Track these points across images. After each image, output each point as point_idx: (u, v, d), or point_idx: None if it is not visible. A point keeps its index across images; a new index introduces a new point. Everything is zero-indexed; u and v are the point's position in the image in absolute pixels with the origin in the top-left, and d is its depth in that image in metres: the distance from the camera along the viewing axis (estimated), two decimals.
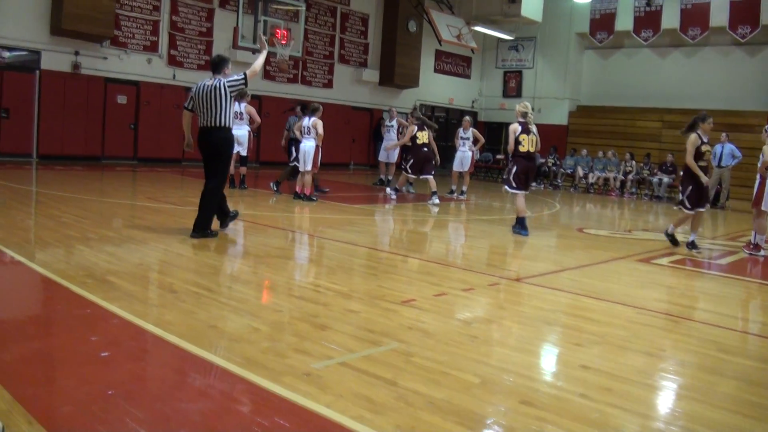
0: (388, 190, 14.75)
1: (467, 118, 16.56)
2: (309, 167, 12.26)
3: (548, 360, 4.40)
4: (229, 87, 7.84)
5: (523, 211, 10.27)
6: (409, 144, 14.46)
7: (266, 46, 8.59)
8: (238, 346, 4.04)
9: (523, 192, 10.29)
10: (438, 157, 14.55)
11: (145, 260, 6.52)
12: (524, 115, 10.06)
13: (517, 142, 9.96)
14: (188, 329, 4.29)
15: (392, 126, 17.56)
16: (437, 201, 13.53)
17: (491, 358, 4.18)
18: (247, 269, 6.62)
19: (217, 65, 8.05)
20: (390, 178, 16.77)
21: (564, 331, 4.94)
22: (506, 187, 10.45)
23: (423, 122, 14.12)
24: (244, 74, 7.94)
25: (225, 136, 7.96)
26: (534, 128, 10.14)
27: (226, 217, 8.42)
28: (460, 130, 15.80)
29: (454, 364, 3.96)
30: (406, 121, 16.31)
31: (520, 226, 10.14)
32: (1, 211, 8.98)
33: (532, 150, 10.06)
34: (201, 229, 7.86)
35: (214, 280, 5.96)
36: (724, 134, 18.64)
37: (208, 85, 7.84)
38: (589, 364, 4.13)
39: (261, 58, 8.27)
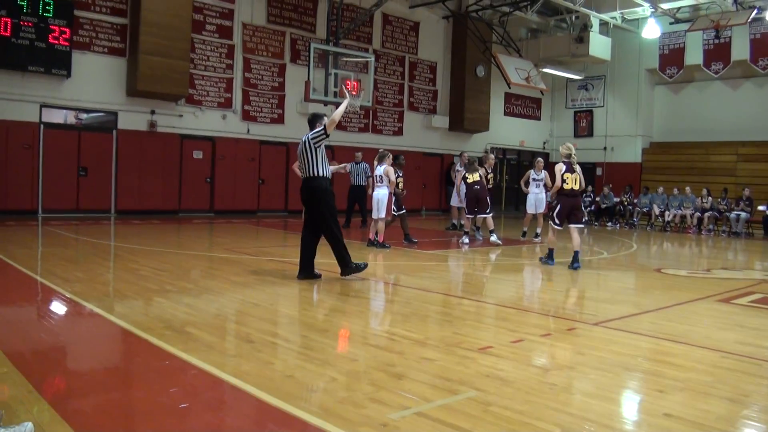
0: (464, 238, 14.20)
1: (539, 159, 16.38)
2: (383, 215, 12.36)
3: (630, 408, 4.25)
4: (312, 140, 8.53)
5: (554, 243, 11.09)
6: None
7: (347, 95, 9.32)
8: (314, 396, 4.05)
9: (560, 228, 10.97)
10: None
11: (222, 311, 6.63)
12: (568, 156, 10.69)
13: (562, 181, 10.56)
14: (265, 379, 4.32)
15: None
16: (495, 239, 13.85)
17: (571, 406, 4.06)
18: (322, 318, 6.65)
19: (311, 122, 8.80)
20: (462, 222, 16.68)
21: (645, 377, 4.77)
22: (551, 223, 10.96)
23: (470, 162, 14.66)
24: (324, 126, 8.55)
25: (318, 185, 8.55)
26: (578, 167, 10.74)
27: (347, 266, 8.72)
28: (532, 171, 15.57)
29: (534, 413, 3.86)
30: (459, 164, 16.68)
31: (548, 257, 11.05)
32: (81, 265, 9.30)
33: (576, 188, 10.65)
34: (346, 268, 8.68)
35: (290, 329, 6.01)
36: None
37: (302, 141, 8.65)
38: (672, 411, 3.97)
39: (341, 108, 8.67)
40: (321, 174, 8.56)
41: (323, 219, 8.60)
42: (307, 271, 8.68)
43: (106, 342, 5.55)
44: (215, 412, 3.87)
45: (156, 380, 4.34)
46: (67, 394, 4.04)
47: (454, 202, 17.39)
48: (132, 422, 3.67)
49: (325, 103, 19.95)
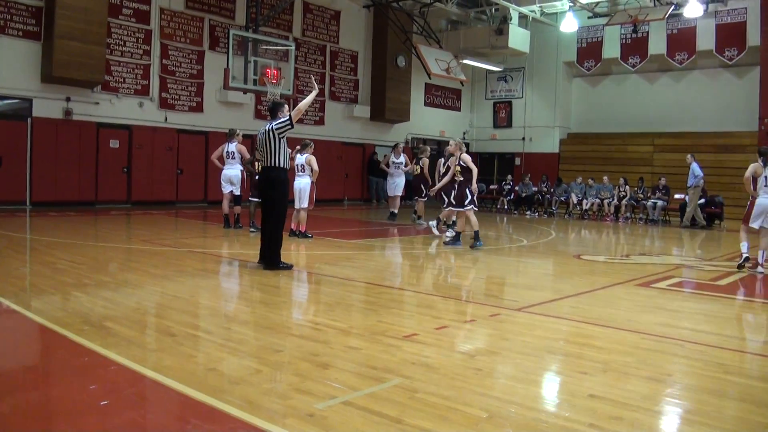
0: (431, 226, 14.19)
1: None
2: (305, 204, 12.25)
3: (555, 390, 4.33)
4: (276, 130, 8.61)
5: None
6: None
7: (317, 87, 9.23)
8: (238, 388, 3.97)
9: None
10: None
11: (142, 304, 6.46)
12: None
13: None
14: (187, 373, 4.22)
15: (401, 162, 17.53)
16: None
17: (497, 390, 4.11)
18: (245, 309, 6.56)
19: (272, 111, 8.92)
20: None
21: (569, 360, 4.87)
22: (474, 207, 11.98)
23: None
24: (289, 116, 8.68)
25: (278, 176, 8.66)
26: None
27: (274, 262, 8.67)
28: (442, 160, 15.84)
29: (460, 398, 3.89)
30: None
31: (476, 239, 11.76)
32: None
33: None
34: (273, 263, 8.58)
35: (212, 321, 5.89)
36: (689, 156, 18.86)
37: (263, 131, 8.71)
38: (597, 392, 4.07)
39: (309, 98, 8.83)
40: (282, 165, 8.65)
41: (274, 210, 8.69)
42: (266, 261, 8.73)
43: (23, 339, 5.33)
44: (137, 408, 3.76)
45: (75, 378, 4.18)
46: None
47: (397, 191, 17.56)
48: (51, 422, 3.53)
49: (245, 91, 19.68)
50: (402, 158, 17.56)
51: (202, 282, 7.93)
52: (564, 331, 5.80)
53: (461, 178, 11.80)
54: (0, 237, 11.51)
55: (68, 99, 18.03)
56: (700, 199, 18.90)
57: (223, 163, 13.44)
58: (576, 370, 4.58)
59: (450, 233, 12.78)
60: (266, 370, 4.39)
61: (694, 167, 18.56)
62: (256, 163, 11.85)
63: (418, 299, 7.32)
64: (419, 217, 16.50)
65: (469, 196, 11.73)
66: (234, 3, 21.54)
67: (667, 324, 6.16)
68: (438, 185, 12.70)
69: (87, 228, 13.82)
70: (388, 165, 17.83)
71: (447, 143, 13.13)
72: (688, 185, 18.72)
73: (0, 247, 10.17)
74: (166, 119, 20.15)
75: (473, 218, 11.81)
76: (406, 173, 17.70)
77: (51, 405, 3.77)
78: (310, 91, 9.01)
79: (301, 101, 8.92)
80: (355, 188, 26.18)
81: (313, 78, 10.13)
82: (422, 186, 16.31)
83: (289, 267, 8.69)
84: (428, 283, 8.86)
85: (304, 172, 12.28)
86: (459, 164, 11.85)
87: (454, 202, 11.99)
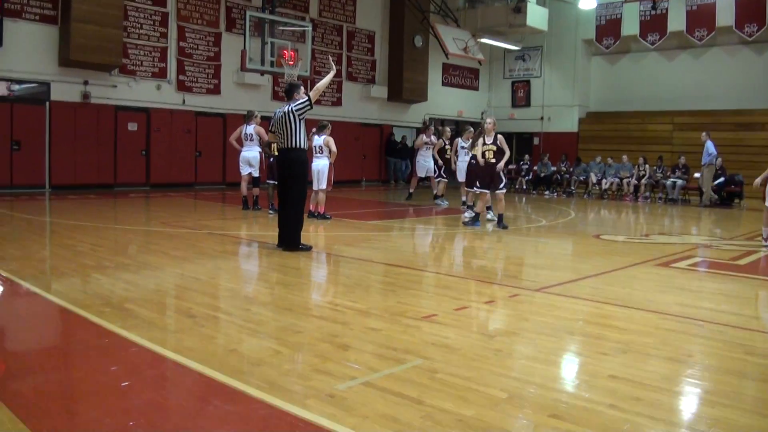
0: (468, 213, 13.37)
1: (470, 128, 16.54)
2: (323, 186, 12.25)
3: (575, 371, 4.31)
4: (296, 111, 8.55)
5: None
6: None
7: (334, 67, 9.20)
8: (259, 369, 3.98)
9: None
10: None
11: (162, 286, 6.50)
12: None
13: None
14: (208, 354, 4.24)
15: (432, 144, 17.17)
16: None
17: (517, 371, 4.10)
18: (264, 290, 6.58)
19: (288, 92, 8.84)
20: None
21: (589, 341, 4.85)
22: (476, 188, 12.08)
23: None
24: (308, 96, 8.61)
25: (298, 157, 8.64)
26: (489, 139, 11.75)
27: (294, 244, 8.70)
28: (460, 140, 15.72)
29: (480, 379, 3.88)
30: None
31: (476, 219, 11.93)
32: (17, 242, 9.00)
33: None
34: (292, 245, 8.60)
35: (232, 303, 5.91)
36: (704, 134, 18.77)
37: (281, 112, 8.66)
38: (617, 373, 4.05)
39: (327, 79, 8.82)
40: (301, 146, 8.62)
41: (293, 191, 8.66)
42: (284, 242, 8.75)
43: (44, 321, 5.38)
44: (158, 390, 3.78)
45: (96, 359, 4.22)
46: (5, 377, 3.88)
47: (429, 173, 17.21)
48: (73, 403, 3.55)
49: (262, 73, 19.65)
50: (433, 138, 17.24)
51: (222, 264, 7.97)
52: (584, 311, 5.77)
53: (493, 160, 11.62)
54: (20, 220, 11.62)
55: (86, 82, 18.09)
56: (719, 177, 18.74)
57: (242, 145, 13.46)
58: (596, 351, 4.56)
59: (469, 213, 12.72)
60: (286, 351, 4.40)
61: (709, 145, 18.45)
62: (273, 145, 11.80)
63: (437, 280, 7.31)
64: (440, 197, 16.53)
65: (504, 179, 11.64)
66: None
67: (686, 304, 6.12)
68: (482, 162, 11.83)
69: (106, 210, 13.91)
70: (419, 146, 17.60)
71: (465, 124, 12.99)
72: (702, 163, 18.60)
73: (20, 231, 10.28)
74: (183, 102, 20.19)
75: (503, 201, 11.70)
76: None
77: (73, 386, 3.80)
78: (327, 72, 9.00)
79: (318, 82, 8.89)
80: (373, 169, 26.14)
81: (330, 58, 10.12)
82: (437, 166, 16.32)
83: (308, 248, 8.70)
84: (447, 263, 8.85)
85: (322, 153, 12.27)
86: (495, 144, 11.68)
87: (479, 184, 11.76)
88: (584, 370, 4.24)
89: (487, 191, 11.87)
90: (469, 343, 4.62)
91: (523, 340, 4.81)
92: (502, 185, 11.70)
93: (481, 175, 11.86)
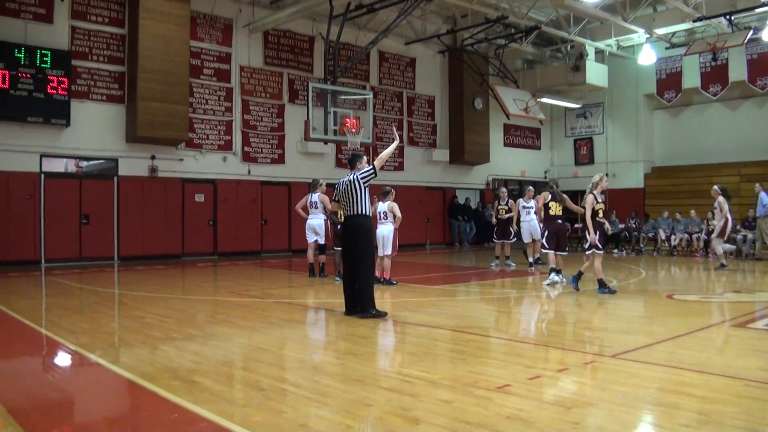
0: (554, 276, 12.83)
1: (530, 187, 16.39)
2: (389, 251, 12.24)
3: None
4: (362, 179, 8.81)
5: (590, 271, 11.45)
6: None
7: (398, 137, 9.52)
8: None
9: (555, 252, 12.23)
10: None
11: (229, 357, 6.49)
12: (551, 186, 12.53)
13: (547, 207, 12.25)
14: (278, 430, 4.18)
15: (531, 207, 15.73)
16: (557, 279, 12.52)
17: None
18: (332, 361, 6.50)
19: (352, 161, 9.23)
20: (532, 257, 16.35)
21: (668, 411, 4.60)
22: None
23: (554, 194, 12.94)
24: (373, 165, 8.84)
25: (362, 223, 8.82)
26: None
27: (369, 309, 8.68)
28: (522, 200, 15.57)
29: None
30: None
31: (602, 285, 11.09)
32: (86, 315, 9.18)
33: (559, 213, 12.27)
34: (368, 309, 8.60)
35: (301, 374, 5.85)
36: (757, 185, 18.45)
37: (345, 180, 8.93)
38: None
39: (391, 148, 9.01)
40: (365, 212, 8.85)
41: (362, 257, 8.73)
42: (353, 309, 8.76)
43: (112, 395, 5.41)
44: None
45: None
46: None
47: (527, 238, 16.08)
48: None
49: (325, 142, 19.94)
50: (532, 202, 15.68)
51: (289, 333, 7.95)
52: (662, 379, 5.51)
53: (604, 220, 11.34)
54: (89, 293, 11.88)
55: (153, 157, 18.68)
56: None
57: (308, 213, 13.60)
58: (677, 423, 4.31)
59: (558, 277, 12.40)
60: (357, 425, 4.30)
61: (762, 196, 17.91)
62: (339, 212, 11.83)
63: (507, 347, 7.12)
64: (507, 258, 16.34)
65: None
66: (312, 57, 22.05)
67: None
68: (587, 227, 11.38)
69: (174, 281, 14.13)
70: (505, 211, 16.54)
71: (525, 183, 12.87)
72: (759, 215, 18.04)
73: (89, 303, 10.49)
74: (249, 172, 20.63)
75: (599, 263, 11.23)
76: (489, 216, 17.46)
77: None
78: (389, 139, 9.12)
79: (382, 150, 9.02)
80: (437, 232, 26.10)
81: (395, 129, 10.30)
82: (510, 228, 16.02)
83: (383, 315, 8.66)
84: (517, 328, 8.64)
85: (386, 219, 12.29)
86: (599, 202, 11.34)
87: (595, 245, 11.14)
88: None
89: (564, 253, 12.50)
90: (545, 415, 4.44)
91: (600, 411, 4.60)
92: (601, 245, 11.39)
93: (560, 235, 12.50)
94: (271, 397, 4.93)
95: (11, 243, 16.51)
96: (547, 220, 12.67)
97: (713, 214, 17.61)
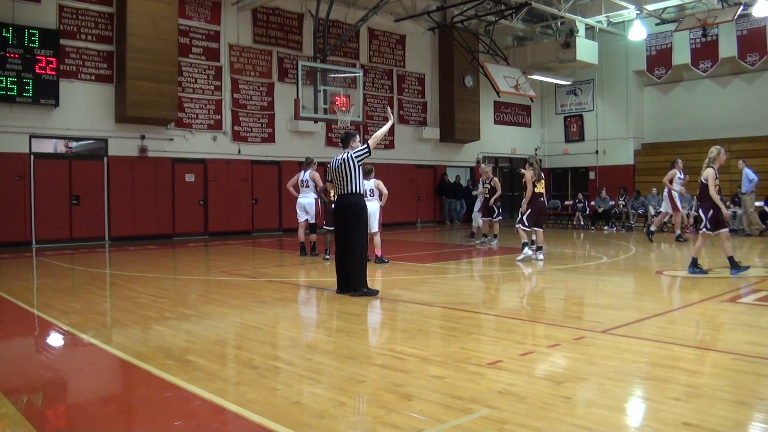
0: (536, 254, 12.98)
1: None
2: (375, 228, 12.25)
3: (648, 418, 4.12)
4: (357, 157, 8.77)
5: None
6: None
7: (391, 117, 9.49)
8: (323, 422, 3.92)
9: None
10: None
11: (223, 336, 6.51)
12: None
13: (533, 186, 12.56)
14: (271, 407, 4.20)
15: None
16: (541, 257, 12.78)
17: (589, 420, 3.93)
18: (325, 338, 6.53)
19: (345, 140, 9.11)
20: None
21: (659, 385, 4.65)
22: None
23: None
24: (367, 144, 8.83)
25: (357, 201, 8.83)
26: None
27: (361, 287, 8.74)
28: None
29: (551, 429, 3.75)
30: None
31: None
32: (78, 296, 9.18)
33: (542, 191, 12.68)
34: (360, 287, 8.64)
35: (293, 352, 5.88)
36: (740, 162, 18.65)
37: (339, 159, 8.85)
38: (691, 420, 3.86)
39: (385, 128, 9.07)
40: (359, 191, 8.84)
41: (356, 235, 8.73)
42: (345, 287, 8.79)
43: (106, 375, 5.43)
44: None
45: (159, 413, 4.22)
46: None
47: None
48: None
49: (316, 120, 19.87)
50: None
51: (282, 311, 7.98)
52: (653, 353, 5.56)
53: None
54: (81, 273, 11.87)
55: (143, 137, 18.60)
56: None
57: (298, 192, 13.59)
58: (667, 396, 4.36)
59: (527, 251, 12.60)
60: (350, 402, 4.34)
61: (747, 172, 18.06)
62: (330, 192, 11.82)
63: (499, 323, 7.17)
64: (488, 237, 16.35)
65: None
66: (301, 35, 21.92)
67: (758, 343, 5.85)
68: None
69: (166, 261, 14.12)
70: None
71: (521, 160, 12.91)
72: (744, 191, 18.19)
73: (81, 284, 10.48)
74: (239, 151, 20.57)
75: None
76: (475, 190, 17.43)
77: None
78: (380, 117, 9.11)
79: (373, 129, 9.00)
80: (428, 210, 26.13)
81: (388, 109, 10.28)
82: (495, 207, 16.05)
83: (375, 293, 8.70)
84: (508, 305, 8.69)
85: (373, 196, 12.32)
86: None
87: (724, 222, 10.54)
88: (657, 417, 4.05)
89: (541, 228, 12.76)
90: (536, 390, 4.48)
91: (591, 386, 4.64)
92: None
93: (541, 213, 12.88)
94: (264, 375, 4.96)
95: (2, 224, 16.47)
96: (532, 198, 12.79)
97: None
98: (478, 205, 16.94)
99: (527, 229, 12.80)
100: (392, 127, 24.01)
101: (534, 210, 12.76)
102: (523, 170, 13.39)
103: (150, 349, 5.81)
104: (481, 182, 16.57)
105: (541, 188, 12.91)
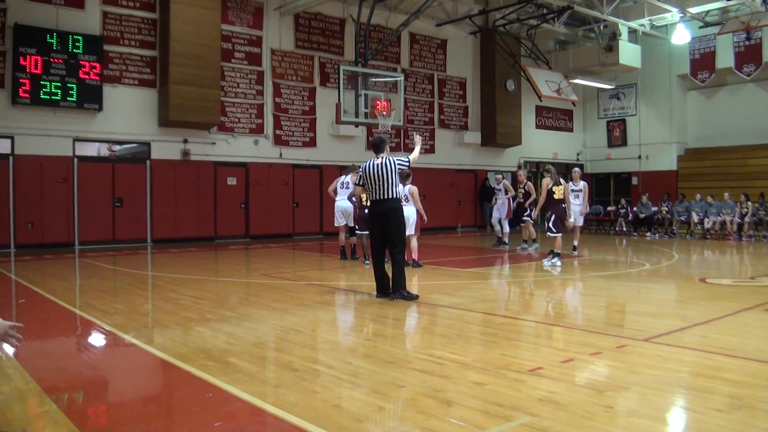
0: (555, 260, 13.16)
1: (576, 169, 16.13)
2: (412, 231, 12.22)
3: (690, 429, 4.06)
4: (398, 164, 8.78)
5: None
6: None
7: (419, 142, 9.52)
8: (362, 426, 3.94)
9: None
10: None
11: (263, 338, 6.57)
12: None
13: (551, 192, 12.91)
14: (311, 410, 4.22)
15: (579, 190, 15.43)
16: (558, 263, 12.89)
17: (630, 430, 3.89)
18: (365, 342, 6.55)
19: (378, 146, 8.98)
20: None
21: (701, 396, 4.57)
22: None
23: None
24: (408, 159, 8.93)
25: (395, 206, 8.79)
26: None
27: (400, 290, 8.76)
28: (571, 183, 15.24)
29: None
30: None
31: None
32: (120, 296, 9.32)
33: (561, 197, 13.09)
34: (398, 290, 8.66)
35: (333, 355, 5.91)
36: None
37: (377, 163, 8.76)
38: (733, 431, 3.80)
39: (417, 151, 9.22)
40: (396, 195, 8.80)
41: (395, 238, 8.73)
42: (385, 291, 8.82)
43: (147, 375, 5.51)
44: None
45: (199, 414, 4.26)
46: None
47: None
48: None
49: (357, 125, 19.95)
50: (581, 184, 15.47)
51: (322, 315, 8.01)
52: (695, 363, 5.47)
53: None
54: (123, 275, 12.05)
55: (185, 141, 18.86)
56: None
57: (337, 195, 13.65)
58: (709, 407, 4.28)
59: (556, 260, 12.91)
60: (390, 407, 4.34)
61: None
62: (363, 196, 11.83)
63: (539, 330, 7.12)
64: (525, 242, 16.35)
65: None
66: (342, 39, 22.03)
67: None
68: None
69: (207, 263, 14.28)
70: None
71: (558, 166, 12.86)
72: None
73: (124, 285, 10.64)
74: (281, 155, 20.74)
75: None
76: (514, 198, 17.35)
77: None
78: (421, 122, 9.14)
79: (412, 133, 9.02)
80: (468, 215, 26.04)
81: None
82: (528, 208, 16.17)
83: (414, 297, 8.69)
84: (549, 312, 8.62)
85: (408, 201, 12.30)
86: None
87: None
88: (699, 428, 3.98)
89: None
90: (578, 398, 4.44)
91: (633, 395, 4.58)
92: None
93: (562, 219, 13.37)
94: (304, 378, 4.99)
95: (45, 226, 16.82)
96: (553, 204, 13.19)
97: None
98: (496, 213, 17.36)
99: (555, 234, 13.12)
100: (432, 131, 24.15)
101: (557, 216, 13.19)
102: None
103: (191, 350, 5.88)
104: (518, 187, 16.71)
105: (560, 194, 13.25)
